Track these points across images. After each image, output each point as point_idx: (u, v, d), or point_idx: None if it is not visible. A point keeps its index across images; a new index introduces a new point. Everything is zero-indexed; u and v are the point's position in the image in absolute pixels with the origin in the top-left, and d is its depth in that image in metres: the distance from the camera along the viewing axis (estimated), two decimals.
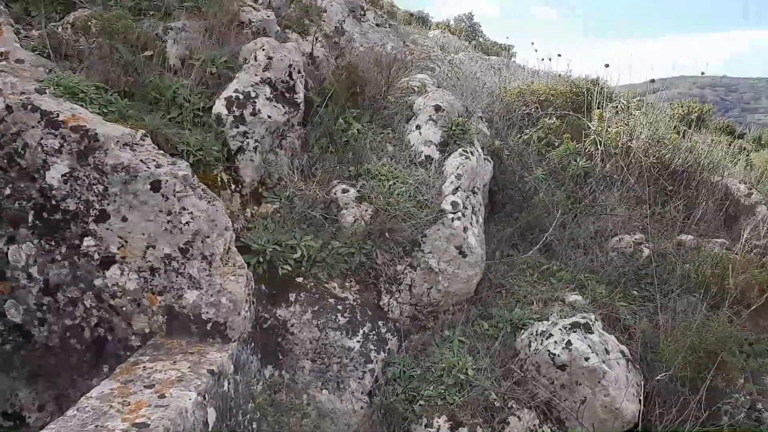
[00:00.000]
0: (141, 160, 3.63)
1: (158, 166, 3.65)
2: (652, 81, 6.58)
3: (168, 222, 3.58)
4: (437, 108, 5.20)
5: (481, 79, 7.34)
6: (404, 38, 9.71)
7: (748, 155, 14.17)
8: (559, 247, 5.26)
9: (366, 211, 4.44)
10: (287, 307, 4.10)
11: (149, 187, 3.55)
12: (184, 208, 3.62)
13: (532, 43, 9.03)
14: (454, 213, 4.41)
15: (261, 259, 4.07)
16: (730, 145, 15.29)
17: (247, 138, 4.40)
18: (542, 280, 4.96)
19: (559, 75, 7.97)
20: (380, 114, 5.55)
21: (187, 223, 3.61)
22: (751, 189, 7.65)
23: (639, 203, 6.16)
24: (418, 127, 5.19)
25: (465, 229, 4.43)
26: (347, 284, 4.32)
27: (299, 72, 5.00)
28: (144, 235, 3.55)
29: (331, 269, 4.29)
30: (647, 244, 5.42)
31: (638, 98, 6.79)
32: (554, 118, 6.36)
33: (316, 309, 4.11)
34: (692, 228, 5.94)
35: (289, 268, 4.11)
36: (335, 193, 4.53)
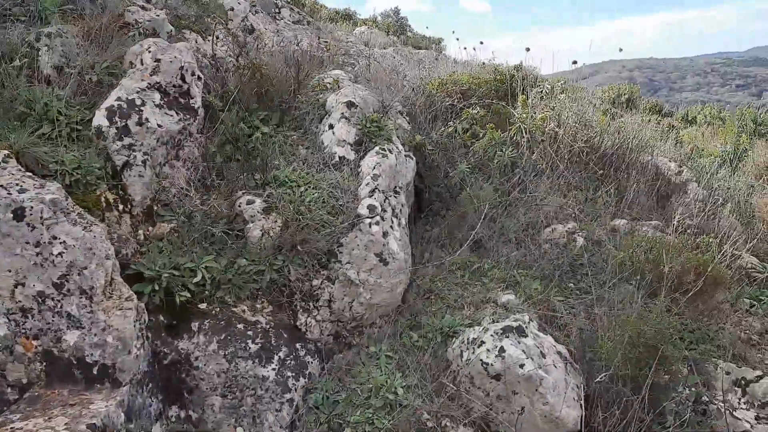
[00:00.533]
0: (1, 186, 3.12)
1: (22, 190, 3.16)
2: (574, 62, 6.39)
3: (37, 255, 3.11)
4: (350, 104, 4.82)
5: (402, 72, 7.01)
6: (325, 35, 9.32)
7: (677, 133, 14.43)
8: (490, 243, 4.97)
9: (275, 222, 4.02)
10: (190, 338, 3.64)
11: (11, 216, 3.07)
12: (55, 238, 3.15)
13: (453, 32, 8.74)
14: (371, 217, 4.05)
15: (156, 287, 3.60)
16: (658, 123, 15.55)
17: (133, 151, 3.91)
18: (474, 281, 4.65)
19: (483, 63, 7.72)
20: (291, 115, 5.14)
21: (59, 254, 3.14)
22: (681, 166, 7.60)
23: (570, 190, 5.96)
24: (330, 126, 4.80)
25: (385, 234, 4.07)
26: (258, 306, 3.90)
27: (193, 74, 4.53)
28: (10, 272, 3.07)
29: (238, 291, 3.85)
30: (580, 233, 5.20)
31: (563, 83, 6.60)
32: (478, 108, 6.08)
33: (222, 337, 3.66)
34: (625, 212, 5.77)
35: (189, 295, 3.65)
36: (240, 206, 4.09)
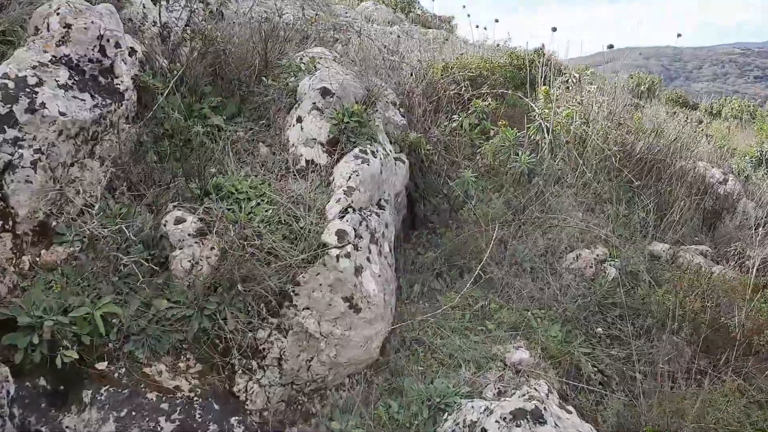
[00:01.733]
0: None
1: None
2: (611, 46, 5.27)
3: None
4: (324, 92, 3.75)
5: (401, 52, 5.91)
6: (321, 8, 8.23)
7: (707, 129, 13.23)
8: (498, 273, 3.92)
9: (210, 250, 2.99)
10: (79, 412, 2.63)
11: None
12: None
13: (464, 7, 7.61)
14: (340, 247, 3.00)
15: (36, 340, 2.59)
16: (687, 118, 14.33)
17: (19, 148, 2.88)
18: (476, 325, 3.62)
19: (497, 45, 6.60)
20: (253, 102, 4.08)
21: None
22: (726, 174, 6.50)
23: (599, 203, 4.88)
24: (299, 119, 3.75)
25: (359, 270, 3.03)
26: (181, 365, 2.88)
27: (119, 46, 3.48)
28: None
29: (155, 344, 2.83)
30: (612, 261, 4.14)
31: (591, 71, 5.48)
32: (489, 99, 4.99)
33: (125, 413, 2.66)
34: (666, 233, 4.70)
35: (80, 352, 2.64)
36: (165, 225, 3.06)
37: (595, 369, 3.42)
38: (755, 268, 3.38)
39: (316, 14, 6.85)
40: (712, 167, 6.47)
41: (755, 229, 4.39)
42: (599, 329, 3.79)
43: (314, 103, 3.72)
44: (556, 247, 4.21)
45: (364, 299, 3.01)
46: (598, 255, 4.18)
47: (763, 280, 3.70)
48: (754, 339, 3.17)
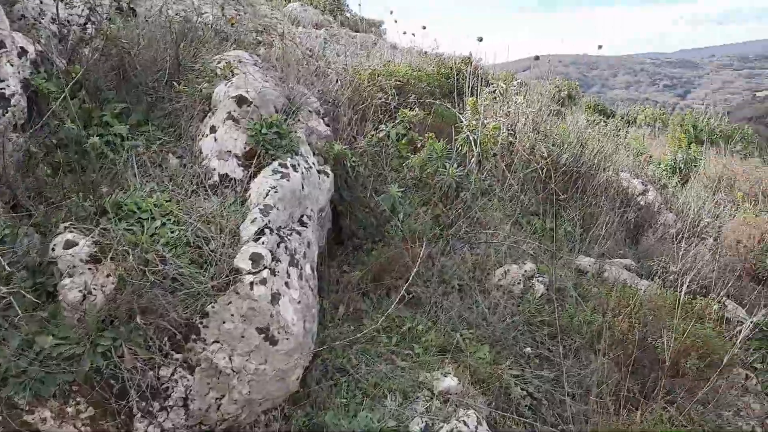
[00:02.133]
0: None
1: None
2: (537, 58, 5.24)
3: None
4: (241, 100, 3.47)
5: (327, 57, 5.68)
6: (244, 8, 7.88)
7: (625, 137, 13.72)
8: (426, 292, 3.77)
9: (107, 277, 2.65)
10: None
11: None
12: None
13: (391, 12, 7.46)
14: (254, 273, 2.74)
15: None
16: (606, 125, 14.81)
17: None
18: (403, 348, 3.44)
19: (425, 53, 6.48)
20: (162, 109, 3.74)
21: None
22: (645, 185, 6.66)
23: (526, 216, 4.83)
24: (213, 129, 3.45)
25: (275, 297, 2.78)
26: (69, 410, 2.53)
27: (4, 46, 3.09)
28: None
29: (39, 387, 2.47)
30: (540, 277, 4.07)
31: (518, 81, 5.44)
32: (417, 109, 4.83)
33: None
34: (592, 246, 4.70)
35: None
36: (54, 249, 2.70)
37: (525, 392, 3.32)
38: (685, 286, 3.37)
39: (237, 14, 6.51)
40: (633, 178, 6.62)
41: (676, 243, 4.45)
42: (528, 349, 3.70)
43: (230, 112, 3.43)
44: (484, 263, 4.10)
45: (281, 329, 2.76)
46: (526, 271, 4.10)
47: (688, 297, 3.72)
48: (681, 361, 3.16)
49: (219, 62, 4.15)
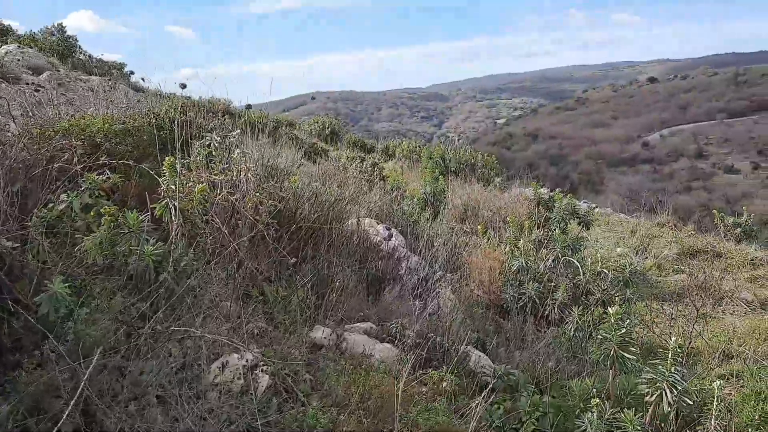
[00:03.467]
0: None
1: None
2: (313, 98, 4.60)
3: None
4: None
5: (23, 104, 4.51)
6: None
7: (381, 171, 14.06)
8: (109, 414, 2.89)
9: None
10: None
11: None
12: None
13: (122, 62, 6.40)
14: None
15: None
16: (362, 161, 15.07)
17: None
18: None
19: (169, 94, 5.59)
20: None
21: None
22: (389, 228, 6.52)
23: (257, 286, 4.22)
24: None
25: None
26: None
27: None
28: None
29: None
30: (265, 367, 3.46)
31: (237, 132, 4.83)
32: (108, 172, 3.94)
33: None
34: (330, 312, 4.24)
35: None
36: None
37: None
38: (409, 365, 3.00)
39: None
40: (378, 223, 6.44)
41: (414, 299, 4.20)
42: None
43: None
44: (196, 360, 3.36)
45: None
46: (248, 359, 3.45)
47: (420, 373, 3.40)
48: None
49: None
